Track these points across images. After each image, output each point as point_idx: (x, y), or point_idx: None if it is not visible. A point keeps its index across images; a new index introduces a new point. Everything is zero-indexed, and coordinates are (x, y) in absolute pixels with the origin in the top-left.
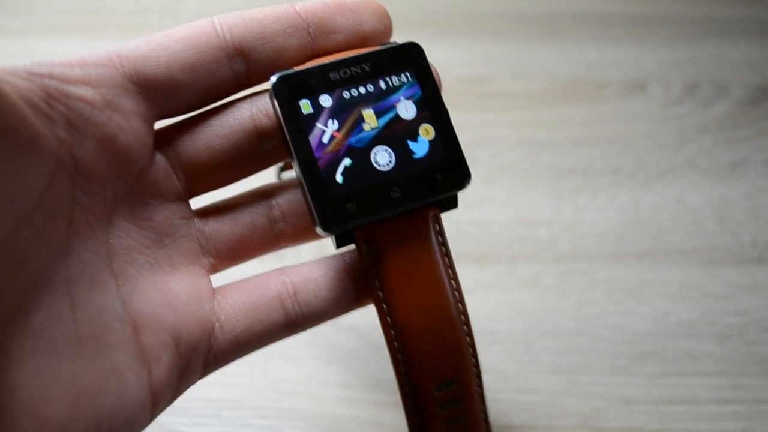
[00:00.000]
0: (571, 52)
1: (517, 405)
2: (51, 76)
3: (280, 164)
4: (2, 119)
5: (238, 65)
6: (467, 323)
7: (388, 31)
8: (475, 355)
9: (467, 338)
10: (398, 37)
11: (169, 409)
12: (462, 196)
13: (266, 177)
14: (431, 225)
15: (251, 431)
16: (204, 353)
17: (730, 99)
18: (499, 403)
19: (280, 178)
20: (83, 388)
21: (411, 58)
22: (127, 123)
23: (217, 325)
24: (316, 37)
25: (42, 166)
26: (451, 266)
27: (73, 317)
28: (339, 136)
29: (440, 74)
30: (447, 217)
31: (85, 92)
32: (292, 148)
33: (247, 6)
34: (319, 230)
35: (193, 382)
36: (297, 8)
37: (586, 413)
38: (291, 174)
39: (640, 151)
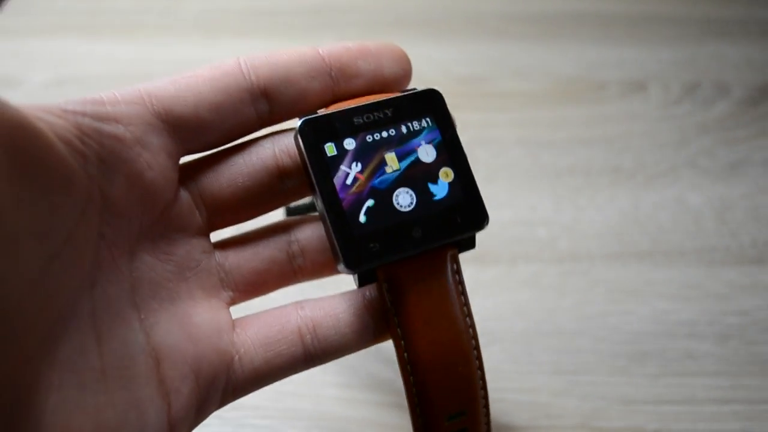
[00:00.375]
0: (571, 52)
1: (517, 405)
2: (84, 114)
3: (288, 205)
4: (39, 158)
5: (262, 106)
6: (479, 358)
7: (407, 75)
8: (484, 387)
9: (479, 372)
10: (399, 38)
11: None
12: None
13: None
14: (449, 265)
15: (251, 431)
16: (222, 385)
17: (730, 99)
18: (499, 403)
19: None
20: (105, 421)
21: (431, 104)
22: (155, 160)
23: (236, 357)
24: (337, 81)
25: (74, 203)
26: (466, 304)
27: (98, 350)
28: (362, 177)
29: (440, 74)
30: None
31: (117, 130)
32: (317, 189)
33: (248, 8)
34: (342, 268)
35: (209, 413)
36: (321, 52)
37: (586, 413)
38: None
39: (640, 151)
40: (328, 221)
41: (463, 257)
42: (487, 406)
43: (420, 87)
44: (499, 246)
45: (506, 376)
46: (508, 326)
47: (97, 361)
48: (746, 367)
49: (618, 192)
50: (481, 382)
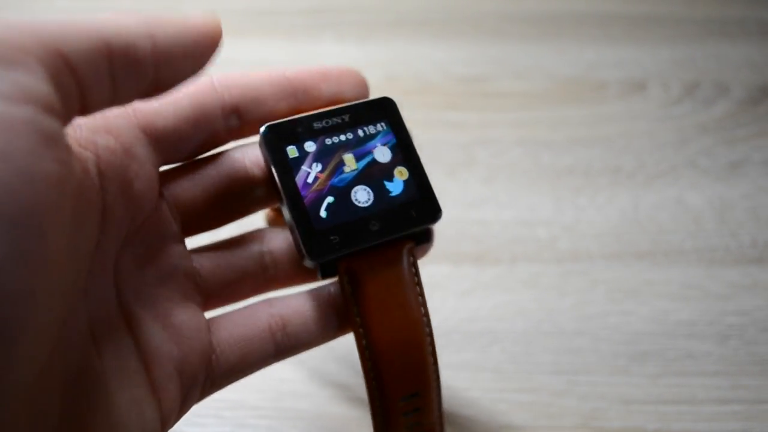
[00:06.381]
0: (571, 52)
1: (517, 405)
2: (80, 125)
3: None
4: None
5: (233, 121)
6: (432, 344)
7: (365, 98)
8: (436, 371)
9: (431, 357)
10: (399, 38)
11: None
12: (462, 196)
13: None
14: (405, 257)
15: (251, 431)
16: (202, 382)
17: (730, 99)
18: (499, 403)
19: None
20: (115, 420)
21: (386, 110)
22: (142, 170)
23: (213, 356)
24: (302, 102)
25: (91, 215)
26: (421, 294)
27: (98, 354)
28: (322, 177)
29: (440, 74)
30: (447, 217)
31: (109, 141)
32: (280, 187)
33: (248, 8)
34: (306, 261)
35: (191, 407)
36: (288, 75)
37: (586, 413)
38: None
39: (640, 151)
40: (291, 217)
41: (463, 257)
42: (439, 387)
43: (419, 87)
44: (499, 246)
45: (506, 376)
46: (508, 326)
47: (99, 364)
48: (746, 367)
49: (618, 192)
50: (434, 366)
